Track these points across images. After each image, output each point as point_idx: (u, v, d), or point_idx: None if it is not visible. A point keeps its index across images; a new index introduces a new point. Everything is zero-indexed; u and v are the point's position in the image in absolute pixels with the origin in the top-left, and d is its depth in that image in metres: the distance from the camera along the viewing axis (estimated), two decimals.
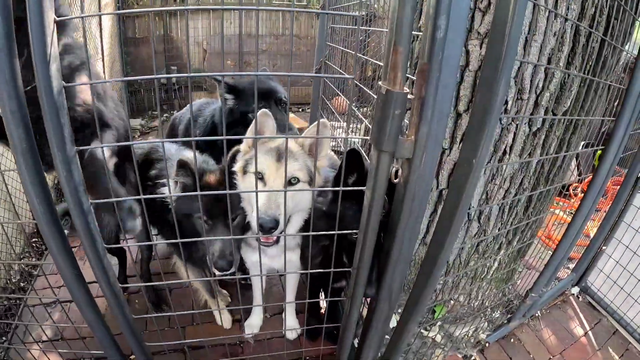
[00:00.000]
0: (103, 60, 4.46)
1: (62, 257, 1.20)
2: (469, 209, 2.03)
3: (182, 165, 1.59)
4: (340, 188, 1.14)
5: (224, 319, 2.37)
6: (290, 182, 1.50)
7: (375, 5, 4.53)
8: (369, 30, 3.34)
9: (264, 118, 1.47)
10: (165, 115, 6.12)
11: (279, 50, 6.22)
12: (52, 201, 1.11)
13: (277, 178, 1.43)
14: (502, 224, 2.23)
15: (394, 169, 1.13)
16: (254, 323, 2.31)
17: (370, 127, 1.11)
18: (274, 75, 1.32)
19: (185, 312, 1.95)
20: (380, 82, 1.03)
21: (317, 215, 1.44)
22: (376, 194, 1.12)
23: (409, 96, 1.00)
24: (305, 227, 1.66)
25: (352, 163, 1.31)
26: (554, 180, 2.16)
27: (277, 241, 1.53)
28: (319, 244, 1.57)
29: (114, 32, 5.47)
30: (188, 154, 1.92)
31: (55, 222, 1.13)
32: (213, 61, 6.05)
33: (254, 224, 1.52)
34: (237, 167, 1.58)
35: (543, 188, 2.10)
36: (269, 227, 1.33)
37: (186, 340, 1.76)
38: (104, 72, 4.64)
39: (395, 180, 1.14)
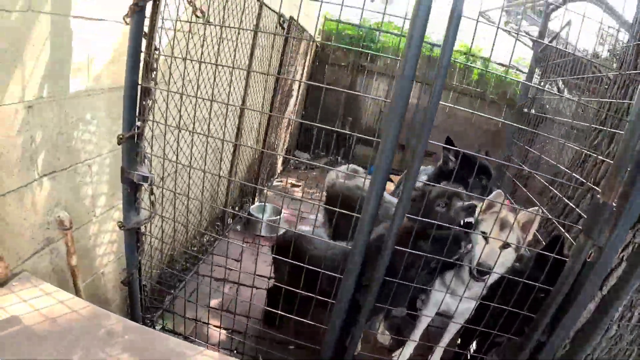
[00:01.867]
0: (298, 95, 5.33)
1: None
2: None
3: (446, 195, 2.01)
4: (553, 255, 1.68)
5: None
6: (504, 246, 2.02)
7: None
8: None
9: (497, 197, 2.16)
10: (329, 157, 6.83)
11: (448, 129, 6.00)
12: None
13: (496, 241, 2.01)
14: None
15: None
16: (405, 354, 2.64)
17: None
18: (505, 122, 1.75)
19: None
20: (599, 191, 1.38)
21: (515, 273, 1.98)
22: (575, 266, 1.59)
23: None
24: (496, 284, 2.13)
25: (555, 247, 1.83)
26: None
27: (484, 279, 1.94)
28: (504, 297, 1.98)
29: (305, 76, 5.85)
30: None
31: None
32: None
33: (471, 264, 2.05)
34: (475, 222, 2.08)
35: None
36: (483, 272, 1.95)
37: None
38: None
39: (587, 259, 1.64)
